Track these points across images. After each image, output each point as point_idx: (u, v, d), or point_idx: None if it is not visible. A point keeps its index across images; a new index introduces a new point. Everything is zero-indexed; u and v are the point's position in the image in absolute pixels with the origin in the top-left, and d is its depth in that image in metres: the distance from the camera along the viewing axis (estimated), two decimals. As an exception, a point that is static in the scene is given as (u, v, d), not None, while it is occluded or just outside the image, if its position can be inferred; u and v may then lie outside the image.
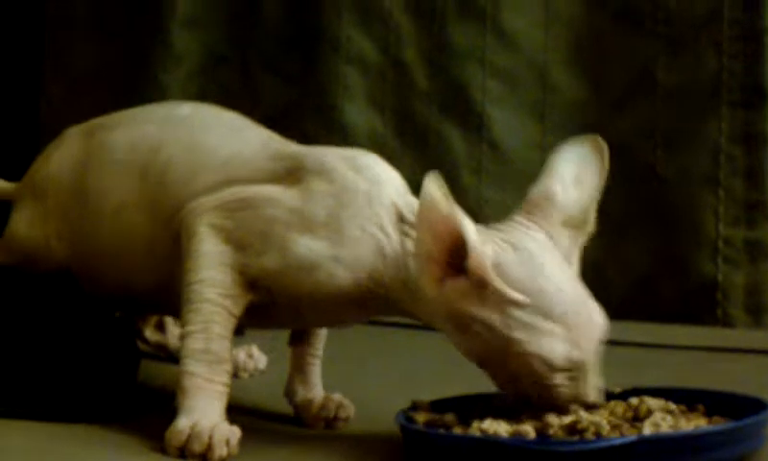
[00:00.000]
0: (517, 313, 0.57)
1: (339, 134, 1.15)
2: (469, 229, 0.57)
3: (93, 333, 0.69)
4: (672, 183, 1.08)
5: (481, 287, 0.57)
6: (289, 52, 1.19)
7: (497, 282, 0.57)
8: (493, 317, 0.57)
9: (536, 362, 0.57)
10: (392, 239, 0.61)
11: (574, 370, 0.57)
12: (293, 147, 0.67)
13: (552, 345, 0.57)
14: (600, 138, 0.61)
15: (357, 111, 1.15)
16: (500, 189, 1.11)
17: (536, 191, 0.61)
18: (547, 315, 0.57)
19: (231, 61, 1.20)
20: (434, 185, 0.57)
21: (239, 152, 0.66)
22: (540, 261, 0.58)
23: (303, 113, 1.17)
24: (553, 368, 0.57)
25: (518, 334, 0.57)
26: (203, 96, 1.19)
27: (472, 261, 0.57)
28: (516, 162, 1.12)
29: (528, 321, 0.57)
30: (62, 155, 0.73)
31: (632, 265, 1.08)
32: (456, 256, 0.57)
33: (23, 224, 0.74)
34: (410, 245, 0.60)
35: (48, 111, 1.24)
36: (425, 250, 0.58)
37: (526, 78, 1.13)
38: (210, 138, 0.67)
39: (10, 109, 1.26)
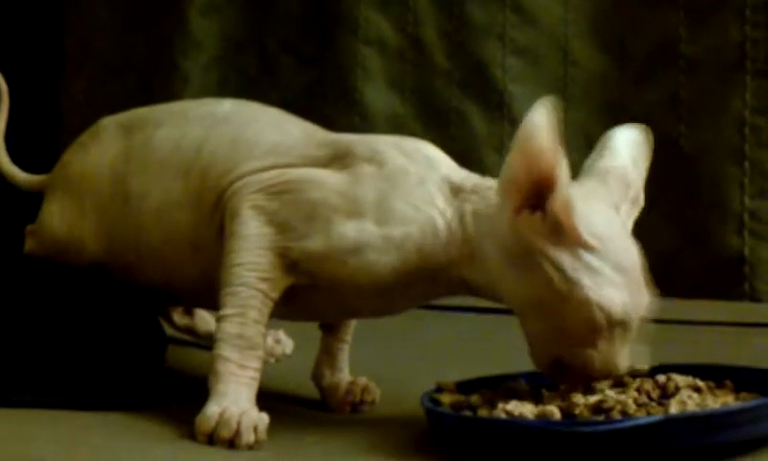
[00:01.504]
0: (587, 257, 0.58)
1: (358, 116, 1.15)
2: (564, 168, 0.57)
3: (119, 319, 0.69)
4: (696, 156, 1.07)
5: (557, 226, 0.58)
6: (307, 35, 1.18)
7: (577, 225, 0.57)
8: (564, 257, 0.58)
9: (595, 310, 0.57)
10: (445, 211, 0.61)
11: (621, 328, 0.58)
12: (339, 135, 0.67)
13: (613, 295, 0.57)
14: (648, 128, 0.65)
15: (376, 93, 1.15)
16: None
17: (607, 165, 0.62)
18: (615, 265, 0.58)
19: (250, 46, 1.20)
20: (541, 114, 0.57)
21: (282, 141, 0.66)
22: (612, 214, 0.60)
23: (323, 96, 1.17)
24: (610, 319, 0.57)
25: (584, 278, 0.57)
26: (223, 81, 1.19)
27: (558, 201, 0.57)
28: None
29: (596, 266, 0.57)
30: (101, 154, 0.72)
31: (656, 240, 1.06)
32: (539, 191, 0.58)
33: (56, 218, 0.74)
34: (469, 207, 0.61)
35: (69, 101, 1.24)
36: (513, 175, 0.58)
37: (547, 53, 1.12)
38: (253, 132, 0.67)
39: (30, 101, 1.27)
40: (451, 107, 1.14)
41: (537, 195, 0.58)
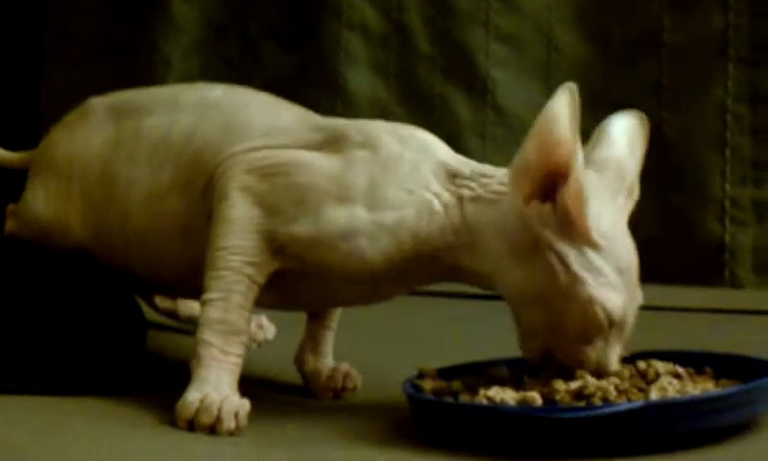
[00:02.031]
0: (592, 255, 0.57)
1: (342, 101, 1.14)
2: (580, 160, 0.57)
3: (98, 304, 0.69)
4: (678, 143, 1.07)
5: (565, 219, 0.57)
6: (290, 19, 1.18)
7: (587, 220, 0.57)
8: (570, 251, 0.57)
9: (597, 309, 0.57)
10: (441, 195, 0.61)
11: (617, 328, 0.58)
12: (332, 120, 0.67)
13: (614, 296, 0.57)
14: (644, 114, 0.64)
15: (360, 78, 1.15)
16: (505, 153, 1.11)
17: (604, 155, 0.61)
18: (615, 266, 0.58)
19: (232, 30, 1.19)
20: (562, 102, 0.56)
21: (275, 125, 0.65)
22: (617, 213, 0.59)
23: (306, 81, 1.16)
24: (610, 319, 0.57)
25: (588, 276, 0.57)
26: (205, 66, 1.19)
27: (571, 193, 0.57)
28: (521, 125, 1.11)
29: (599, 265, 0.57)
30: (88, 137, 0.72)
31: (637, 226, 1.07)
32: (552, 181, 0.57)
33: (41, 200, 0.73)
34: (468, 193, 0.60)
35: (49, 85, 1.23)
36: (527, 162, 0.57)
37: (530, 39, 1.12)
38: (245, 116, 0.66)
39: (10, 83, 1.26)
40: (435, 93, 1.14)
41: (549, 185, 0.57)
